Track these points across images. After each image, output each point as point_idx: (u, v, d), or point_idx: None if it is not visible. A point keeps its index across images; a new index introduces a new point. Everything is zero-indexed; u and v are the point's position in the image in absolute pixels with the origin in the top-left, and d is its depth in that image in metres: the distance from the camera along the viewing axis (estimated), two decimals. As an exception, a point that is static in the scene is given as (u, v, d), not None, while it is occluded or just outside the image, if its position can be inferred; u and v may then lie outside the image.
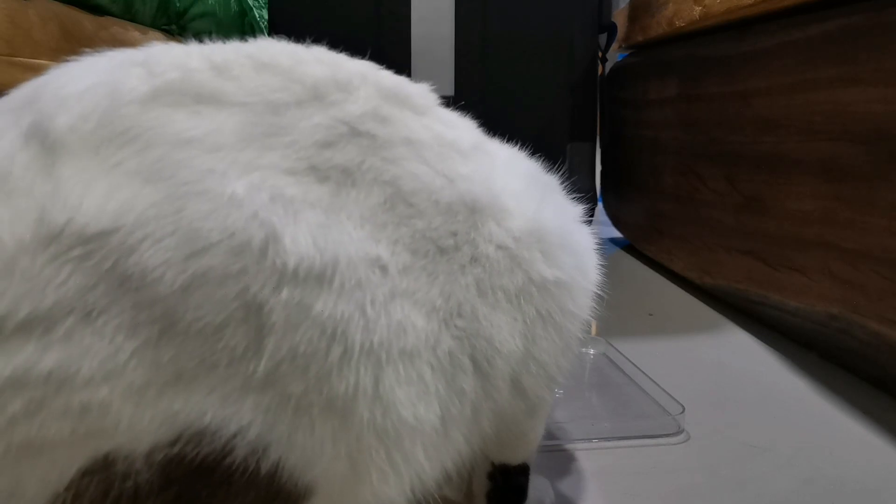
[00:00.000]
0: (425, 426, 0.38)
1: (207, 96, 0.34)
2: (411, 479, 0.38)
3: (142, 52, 0.36)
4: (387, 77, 0.42)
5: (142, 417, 0.30)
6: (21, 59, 1.09)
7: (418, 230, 0.39)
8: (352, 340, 0.34)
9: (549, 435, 0.67)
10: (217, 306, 0.31)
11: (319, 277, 0.33)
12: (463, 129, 0.46)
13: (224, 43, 0.39)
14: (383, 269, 0.37)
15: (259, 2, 2.29)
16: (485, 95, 1.32)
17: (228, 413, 0.31)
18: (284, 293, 0.32)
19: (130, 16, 1.61)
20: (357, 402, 0.34)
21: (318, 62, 0.39)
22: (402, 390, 0.36)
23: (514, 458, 0.53)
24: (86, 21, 1.37)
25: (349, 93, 0.38)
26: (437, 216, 0.40)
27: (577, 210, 0.55)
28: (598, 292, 0.51)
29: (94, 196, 0.30)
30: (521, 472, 0.53)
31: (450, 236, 0.40)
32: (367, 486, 0.36)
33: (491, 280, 0.42)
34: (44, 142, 0.31)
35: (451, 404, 0.39)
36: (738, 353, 0.99)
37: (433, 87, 0.45)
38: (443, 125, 0.43)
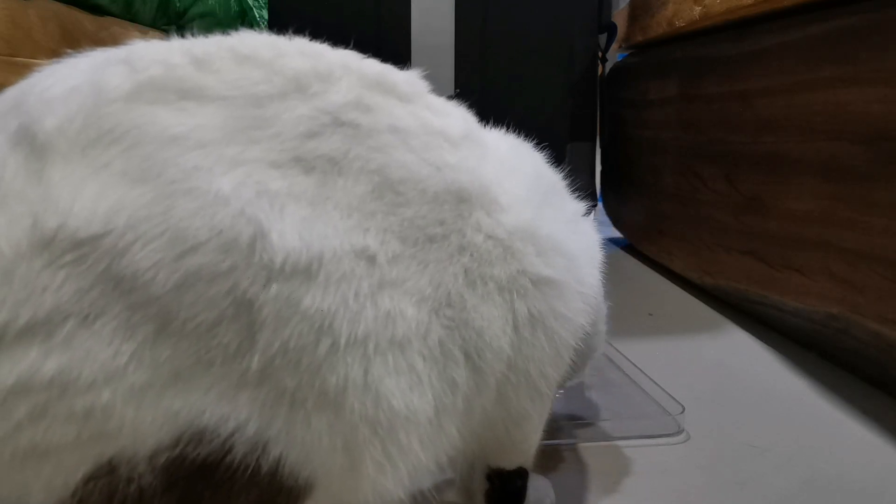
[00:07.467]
0: (419, 417, 0.38)
1: (190, 91, 0.34)
2: (409, 471, 0.38)
3: (123, 49, 0.36)
4: (370, 66, 0.41)
5: (144, 419, 0.30)
6: (21, 59, 1.09)
7: (407, 218, 0.39)
8: (338, 333, 0.34)
9: (549, 435, 0.67)
10: (209, 304, 0.31)
11: (306, 272, 0.33)
12: (453, 117, 0.45)
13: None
14: (370, 259, 0.36)
15: (259, 2, 2.29)
16: (485, 95, 1.32)
17: (226, 410, 0.32)
18: (274, 289, 0.32)
19: (130, 16, 1.61)
20: (347, 393, 0.34)
21: (299, 54, 0.39)
22: (392, 380, 0.36)
23: (509, 464, 0.53)
24: (86, 21, 1.37)
25: (331, 83, 0.38)
26: (425, 205, 0.40)
27: (578, 208, 0.55)
28: (593, 296, 0.49)
29: (84, 199, 0.30)
30: (519, 475, 0.53)
31: (437, 225, 0.40)
32: (365, 479, 0.36)
33: (480, 269, 0.42)
34: (32, 145, 0.31)
35: (444, 395, 0.39)
36: (738, 353, 0.99)
37: (432, 88, 0.45)
38: (430, 113, 0.42)
